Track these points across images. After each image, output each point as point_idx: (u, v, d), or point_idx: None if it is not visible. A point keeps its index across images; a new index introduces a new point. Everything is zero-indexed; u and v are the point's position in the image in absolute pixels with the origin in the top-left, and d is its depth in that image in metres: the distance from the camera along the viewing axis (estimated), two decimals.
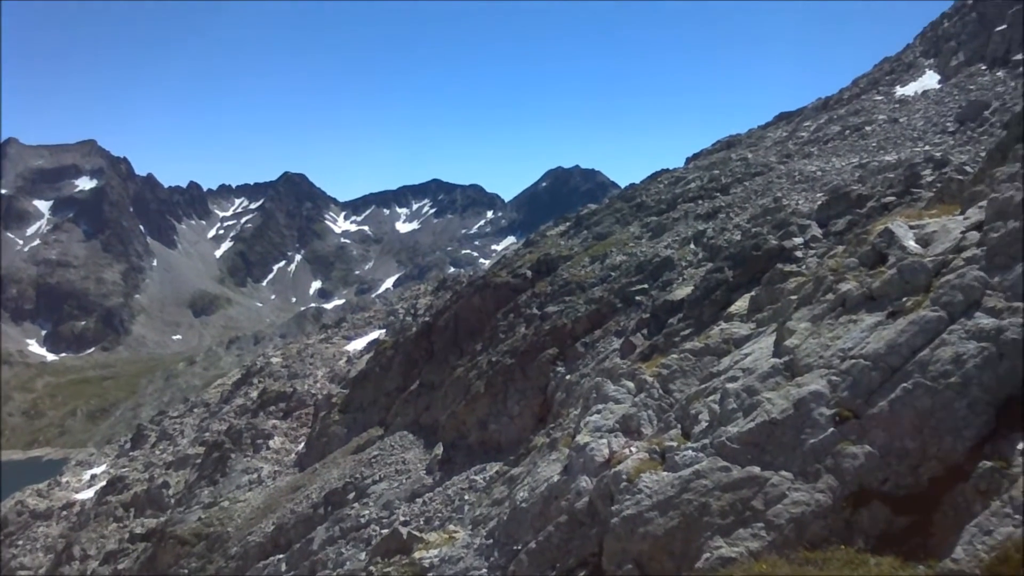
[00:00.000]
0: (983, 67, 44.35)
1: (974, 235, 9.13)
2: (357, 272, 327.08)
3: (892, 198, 21.89)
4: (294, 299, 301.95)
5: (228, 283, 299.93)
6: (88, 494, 64.88)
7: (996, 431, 7.37)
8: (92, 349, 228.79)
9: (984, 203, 9.42)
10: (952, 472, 7.41)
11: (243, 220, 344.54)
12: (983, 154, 23.59)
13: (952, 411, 7.50)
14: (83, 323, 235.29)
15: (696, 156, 60.55)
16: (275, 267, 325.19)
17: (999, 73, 41.30)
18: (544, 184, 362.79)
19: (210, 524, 39.62)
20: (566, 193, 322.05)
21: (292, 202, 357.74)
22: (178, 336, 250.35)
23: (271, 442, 48.51)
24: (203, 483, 45.86)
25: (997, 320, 7.67)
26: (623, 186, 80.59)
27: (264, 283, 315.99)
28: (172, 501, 50.41)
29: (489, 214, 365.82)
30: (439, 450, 32.64)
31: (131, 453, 72.68)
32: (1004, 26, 45.12)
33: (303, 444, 47.50)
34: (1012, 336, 7.45)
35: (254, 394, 62.37)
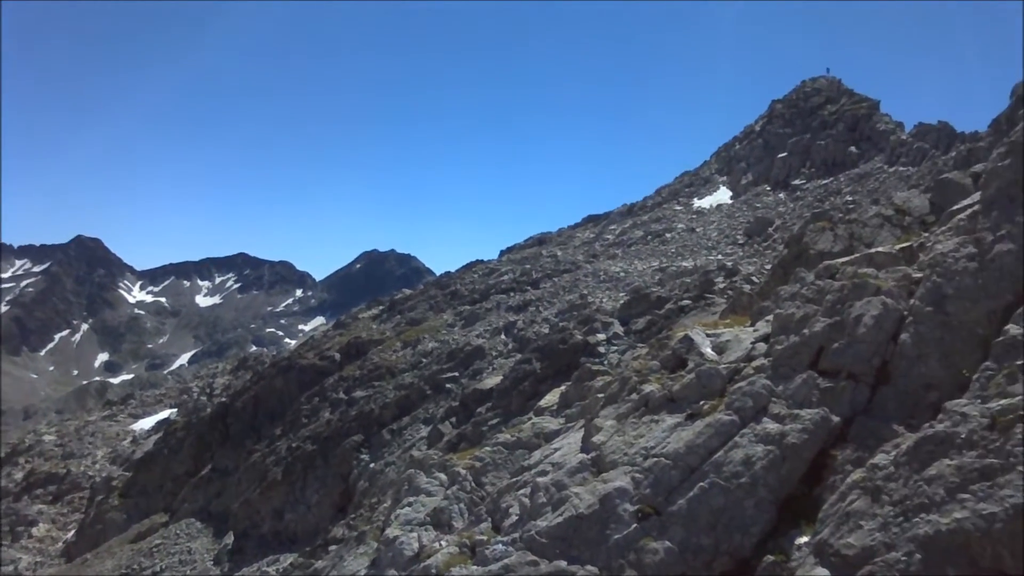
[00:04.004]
0: (768, 188, 49.38)
1: (762, 346, 10.07)
2: (150, 346, 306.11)
3: (688, 301, 23.59)
4: (76, 372, 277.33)
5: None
6: None
7: (777, 528, 8.03)
8: None
9: (771, 317, 10.43)
10: (741, 566, 7.94)
11: (23, 283, 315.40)
12: (767, 266, 26.08)
13: (742, 509, 8.07)
14: None
15: (509, 250, 62.54)
16: (57, 336, 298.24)
17: (781, 195, 46.14)
18: (358, 266, 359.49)
19: None
20: (380, 276, 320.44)
21: (83, 267, 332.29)
22: None
23: (34, 529, 43.67)
24: None
25: (781, 425, 8.43)
26: (438, 273, 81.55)
27: (43, 352, 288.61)
28: None
29: (298, 292, 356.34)
30: (229, 539, 30.73)
31: None
32: (785, 153, 50.74)
33: (73, 532, 43.10)
34: (793, 440, 8.22)
35: (19, 475, 56.12)
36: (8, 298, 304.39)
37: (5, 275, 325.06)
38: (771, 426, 8.45)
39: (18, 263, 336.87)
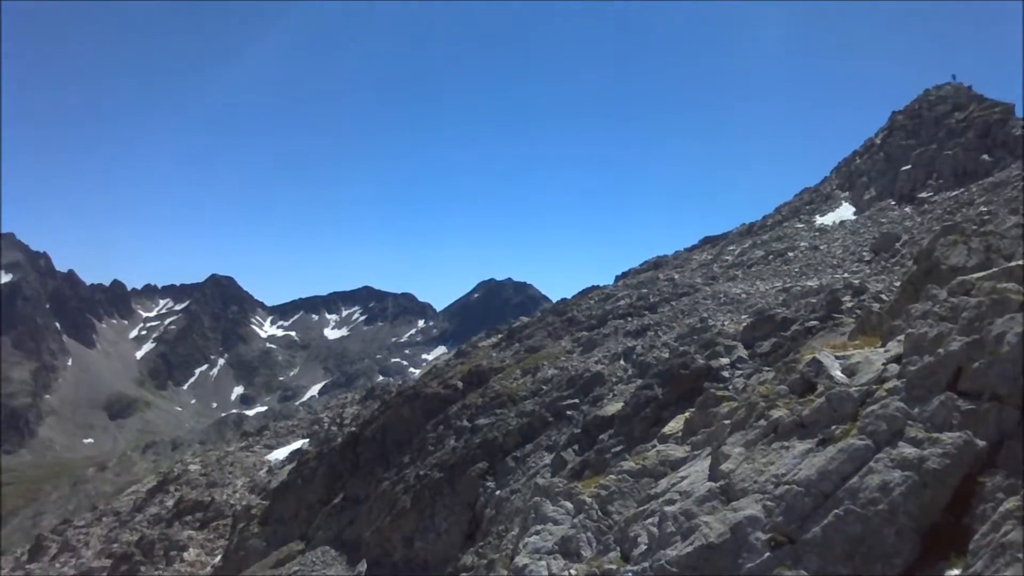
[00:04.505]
0: (892, 202, 47.34)
1: (894, 367, 9.69)
2: (282, 378, 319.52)
3: (815, 322, 22.86)
4: (215, 404, 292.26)
5: (148, 385, 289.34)
6: None
7: (923, 559, 7.67)
8: None
9: (902, 337, 10.04)
10: None
11: (167, 321, 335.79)
12: (896, 283, 25.00)
13: (881, 538, 7.77)
14: None
15: (625, 275, 62.20)
16: (197, 371, 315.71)
17: (907, 208, 44.11)
18: (476, 295, 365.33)
19: None
20: (498, 305, 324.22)
21: (218, 305, 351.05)
22: (90, 440, 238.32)
23: (185, 554, 46.17)
24: None
25: (919, 450, 8.07)
26: (554, 300, 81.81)
27: (185, 387, 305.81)
28: None
29: (420, 323, 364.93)
30: (362, 567, 31.57)
31: (28, 566, 67.77)
32: (910, 166, 48.54)
33: (220, 557, 45.30)
34: (933, 466, 7.85)
35: (170, 503, 59.59)
36: (155, 335, 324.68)
37: (151, 314, 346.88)
38: (908, 451, 8.11)
39: (161, 302, 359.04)
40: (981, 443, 7.88)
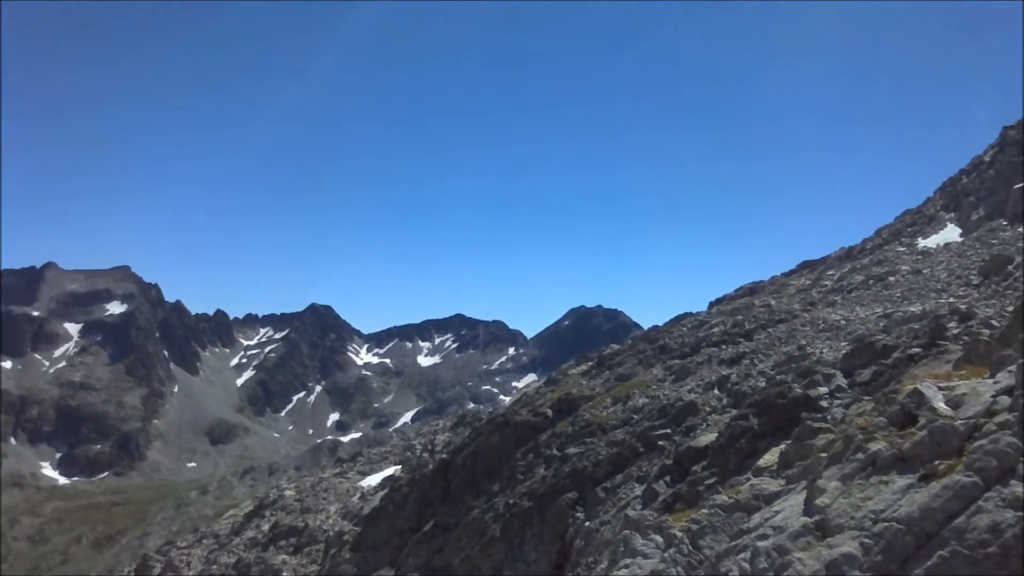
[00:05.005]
0: (1003, 222, 45.04)
1: (1005, 399, 9.12)
2: (376, 405, 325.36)
3: (918, 349, 21.81)
4: (311, 431, 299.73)
5: (247, 412, 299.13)
6: None
7: None
8: (105, 474, 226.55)
9: (1013, 368, 9.47)
10: None
11: (267, 349, 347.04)
12: (1009, 308, 23.69)
13: None
14: (98, 447, 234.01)
15: (719, 301, 60.97)
16: (295, 397, 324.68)
17: (1020, 229, 41.87)
18: (566, 323, 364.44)
19: None
20: (588, 332, 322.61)
21: (316, 333, 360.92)
22: (193, 464, 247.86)
23: None
24: None
25: None
26: (645, 328, 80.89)
27: (283, 413, 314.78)
28: None
29: (511, 350, 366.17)
30: None
31: None
32: (1021, 185, 46.14)
33: None
34: None
35: (265, 527, 61.10)
36: (255, 363, 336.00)
37: (251, 342, 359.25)
38: (1021, 489, 7.62)
39: (262, 331, 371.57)
40: None
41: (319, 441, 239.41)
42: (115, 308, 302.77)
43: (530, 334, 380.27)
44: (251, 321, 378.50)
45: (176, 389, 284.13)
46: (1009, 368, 9.83)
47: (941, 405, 9.86)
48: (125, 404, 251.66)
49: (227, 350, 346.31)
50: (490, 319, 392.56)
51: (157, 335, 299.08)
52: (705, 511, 12.85)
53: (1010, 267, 35.01)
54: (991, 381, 10.15)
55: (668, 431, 30.31)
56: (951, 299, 33.76)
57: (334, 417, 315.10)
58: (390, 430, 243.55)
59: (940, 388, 10.45)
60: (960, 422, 9.11)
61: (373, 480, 66.87)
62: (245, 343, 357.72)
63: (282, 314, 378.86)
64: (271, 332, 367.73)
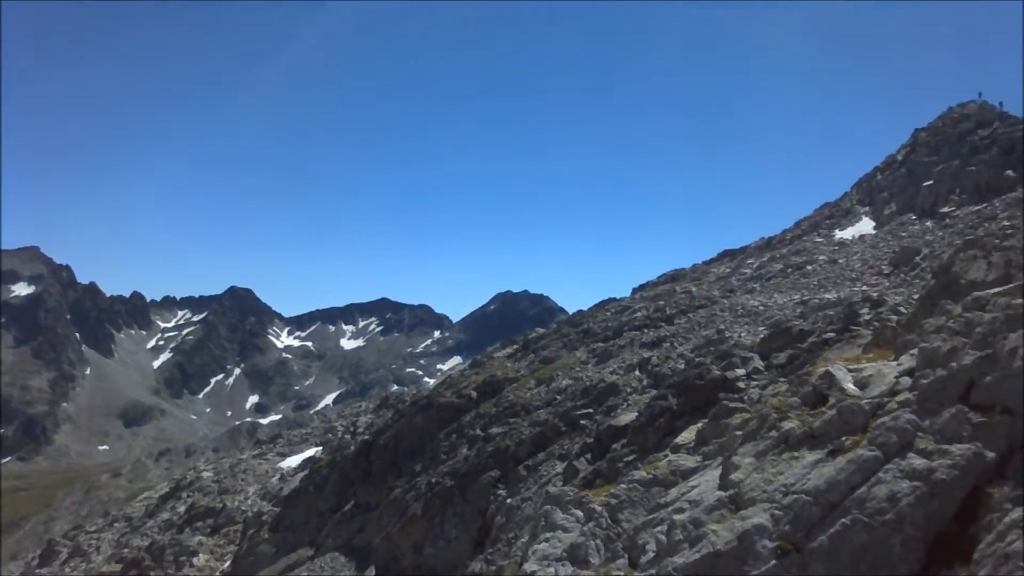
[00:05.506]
0: (913, 217, 47.05)
1: (906, 380, 9.70)
2: (297, 388, 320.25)
3: (832, 334, 22.71)
4: (229, 413, 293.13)
5: (163, 394, 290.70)
6: None
7: (927, 567, 7.69)
8: (8, 459, 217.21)
9: (915, 351, 10.04)
10: None
11: (184, 332, 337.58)
12: (915, 296, 24.85)
13: (887, 547, 7.78)
14: (0, 431, 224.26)
15: (642, 287, 62.10)
16: (213, 380, 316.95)
17: (928, 223, 43.83)
18: (492, 307, 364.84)
19: None
20: (514, 317, 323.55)
21: (236, 316, 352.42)
22: (105, 447, 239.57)
23: (195, 559, 46.31)
24: None
25: (928, 461, 8.09)
26: (570, 312, 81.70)
27: (201, 395, 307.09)
28: None
29: (436, 334, 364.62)
30: (371, 573, 31.63)
31: (39, 571, 68.27)
32: (931, 182, 48.24)
33: (229, 563, 45.45)
34: (942, 476, 7.87)
35: (182, 509, 59.86)
36: (172, 345, 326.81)
37: (168, 324, 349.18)
38: (918, 462, 8.13)
39: (180, 313, 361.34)
40: (991, 455, 7.89)
41: (238, 423, 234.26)
42: (21, 290, 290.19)
43: (456, 318, 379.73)
44: (169, 303, 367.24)
45: (88, 372, 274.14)
46: (912, 351, 10.42)
47: (850, 386, 10.38)
48: (31, 387, 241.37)
49: (143, 332, 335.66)
50: (416, 303, 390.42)
51: (68, 317, 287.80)
52: (624, 486, 13.21)
53: (918, 258, 36.70)
54: (895, 363, 10.74)
55: (590, 411, 30.86)
56: (864, 287, 35.24)
57: (253, 399, 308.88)
58: (311, 412, 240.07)
59: (850, 370, 11.00)
60: (866, 401, 9.63)
61: (293, 462, 66.11)
62: (163, 325, 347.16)
63: (200, 296, 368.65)
64: (189, 315, 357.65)
